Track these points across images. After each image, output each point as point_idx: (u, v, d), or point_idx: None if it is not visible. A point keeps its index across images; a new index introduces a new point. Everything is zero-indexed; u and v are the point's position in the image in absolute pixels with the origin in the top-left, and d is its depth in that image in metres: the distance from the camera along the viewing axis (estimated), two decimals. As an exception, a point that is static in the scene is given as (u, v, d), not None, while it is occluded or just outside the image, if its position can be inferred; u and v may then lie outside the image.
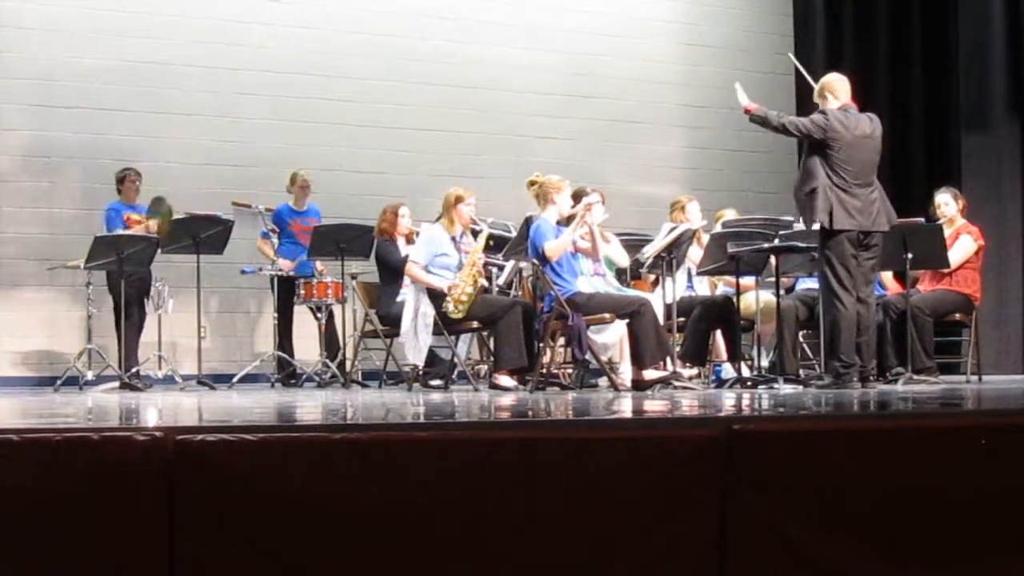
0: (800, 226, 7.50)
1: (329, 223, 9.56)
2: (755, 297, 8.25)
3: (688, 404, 5.68)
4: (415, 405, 6.03)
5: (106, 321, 9.25)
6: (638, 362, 7.42)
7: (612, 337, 7.94)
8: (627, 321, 7.49)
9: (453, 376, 8.44)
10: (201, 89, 10.54)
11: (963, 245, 8.36)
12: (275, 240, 9.72)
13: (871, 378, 7.30)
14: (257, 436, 3.46)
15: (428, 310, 7.90)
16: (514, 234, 8.55)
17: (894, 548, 3.70)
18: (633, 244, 8.57)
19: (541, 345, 7.69)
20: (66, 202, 10.15)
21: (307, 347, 9.75)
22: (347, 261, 9.31)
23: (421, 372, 8.20)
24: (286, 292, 9.54)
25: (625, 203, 10.68)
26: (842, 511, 3.68)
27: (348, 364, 9.14)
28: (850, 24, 11.74)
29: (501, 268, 8.81)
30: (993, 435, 3.86)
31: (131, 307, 9.00)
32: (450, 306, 7.82)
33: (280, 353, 9.45)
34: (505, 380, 7.58)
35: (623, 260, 8.47)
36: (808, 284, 8.40)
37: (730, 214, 9.05)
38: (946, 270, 8.30)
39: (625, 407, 5.65)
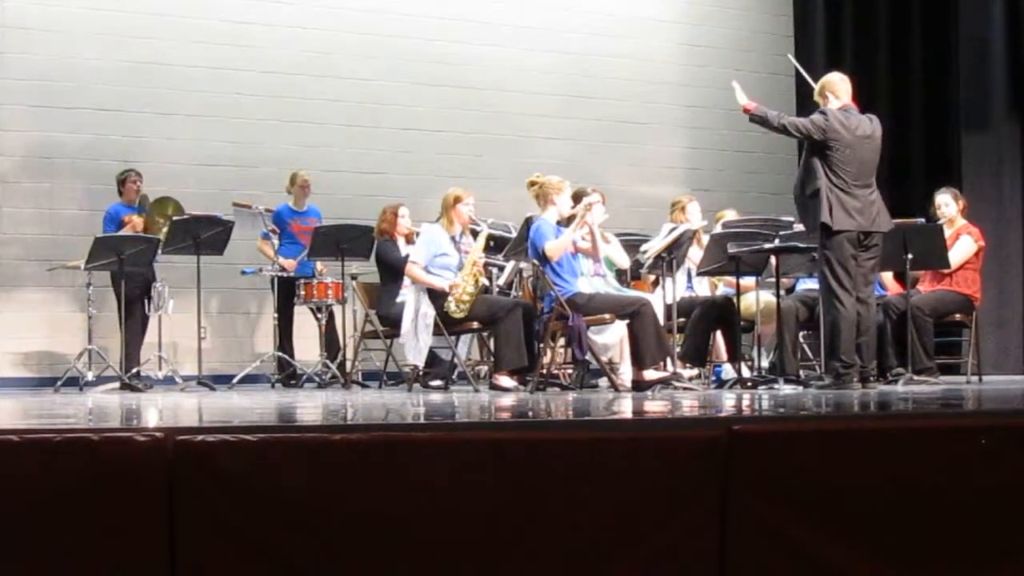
0: (800, 227, 7.49)
1: (329, 223, 9.57)
2: (755, 298, 8.26)
3: (688, 405, 5.68)
4: (415, 406, 6.03)
5: (106, 322, 9.25)
6: (638, 363, 7.42)
7: (612, 338, 7.94)
8: (627, 322, 7.49)
9: (453, 377, 8.44)
10: (202, 90, 10.55)
11: (963, 246, 8.36)
12: (275, 241, 9.72)
13: (871, 379, 7.29)
14: (257, 437, 3.46)
15: (428, 310, 7.90)
16: (514, 234, 8.55)
17: (894, 548, 3.70)
18: (633, 244, 8.58)
19: (541, 345, 7.69)
20: (67, 203, 10.16)
21: (307, 348, 9.75)
22: (347, 261, 9.31)
23: (421, 373, 8.20)
24: (286, 293, 9.54)
25: (625, 203, 10.69)
26: (842, 512, 3.68)
27: (348, 365, 9.14)
28: (850, 24, 11.74)
29: (501, 268, 8.82)
30: (993, 435, 3.86)
31: (133, 307, 9.01)
32: (452, 306, 7.82)
33: (280, 354, 9.45)
34: (505, 381, 7.58)
35: (623, 261, 8.48)
36: (808, 285, 8.40)
37: (730, 215, 9.05)
38: (946, 271, 8.30)
39: (625, 408, 5.65)
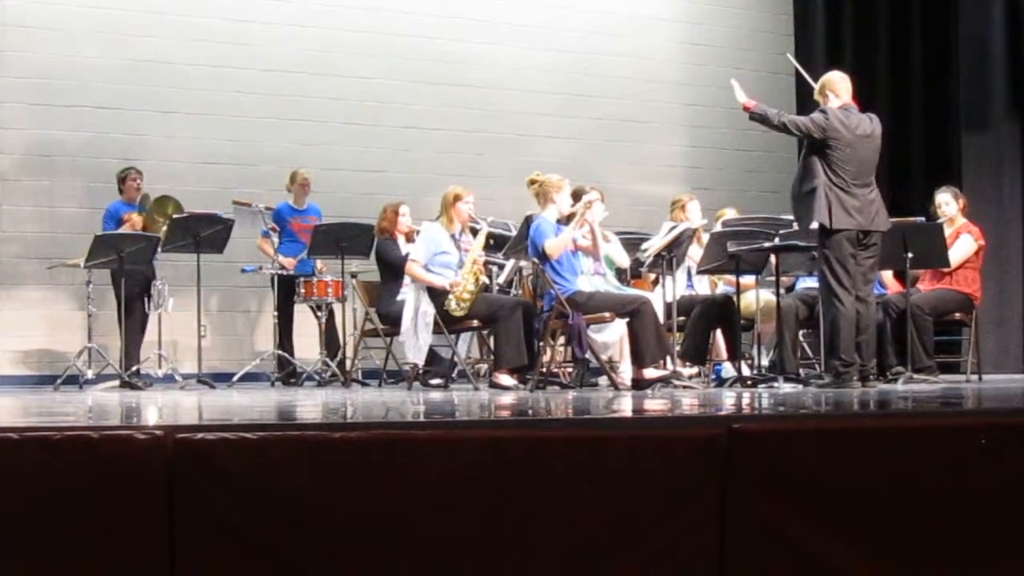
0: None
1: (329, 222, 9.57)
2: (755, 296, 8.26)
3: (688, 403, 5.68)
4: (415, 404, 6.03)
5: (106, 320, 9.25)
6: (638, 361, 7.43)
7: (612, 336, 7.94)
8: (627, 320, 7.49)
9: (453, 375, 8.45)
10: (201, 88, 10.55)
11: (963, 244, 8.36)
12: (275, 239, 9.72)
13: (871, 377, 7.30)
14: (257, 435, 3.46)
15: (428, 309, 7.90)
16: (514, 233, 8.55)
17: (894, 547, 3.70)
18: (633, 243, 8.58)
19: (541, 344, 7.69)
20: (66, 201, 10.15)
21: (307, 346, 9.75)
22: (347, 260, 9.31)
23: (421, 371, 8.20)
24: (286, 291, 9.53)
25: (625, 202, 10.69)
26: (842, 510, 3.68)
27: (348, 363, 9.14)
28: (850, 24, 11.74)
29: (501, 267, 8.82)
30: (993, 435, 3.86)
31: (133, 305, 9.01)
32: (452, 304, 7.82)
33: (280, 352, 9.45)
34: (505, 379, 7.58)
35: (623, 260, 8.48)
36: (808, 283, 8.40)
37: (730, 213, 9.05)
38: (946, 269, 8.30)
39: (625, 406, 5.65)
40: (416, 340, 7.94)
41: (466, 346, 8.80)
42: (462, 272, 7.90)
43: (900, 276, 8.49)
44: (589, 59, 11.76)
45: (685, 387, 7.39)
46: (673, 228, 8.09)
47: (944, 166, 10.77)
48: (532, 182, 7.87)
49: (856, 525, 3.69)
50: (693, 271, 8.60)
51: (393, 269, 8.55)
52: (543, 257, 7.57)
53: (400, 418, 4.75)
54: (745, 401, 6.00)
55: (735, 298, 8.11)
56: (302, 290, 9.39)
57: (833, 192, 6.99)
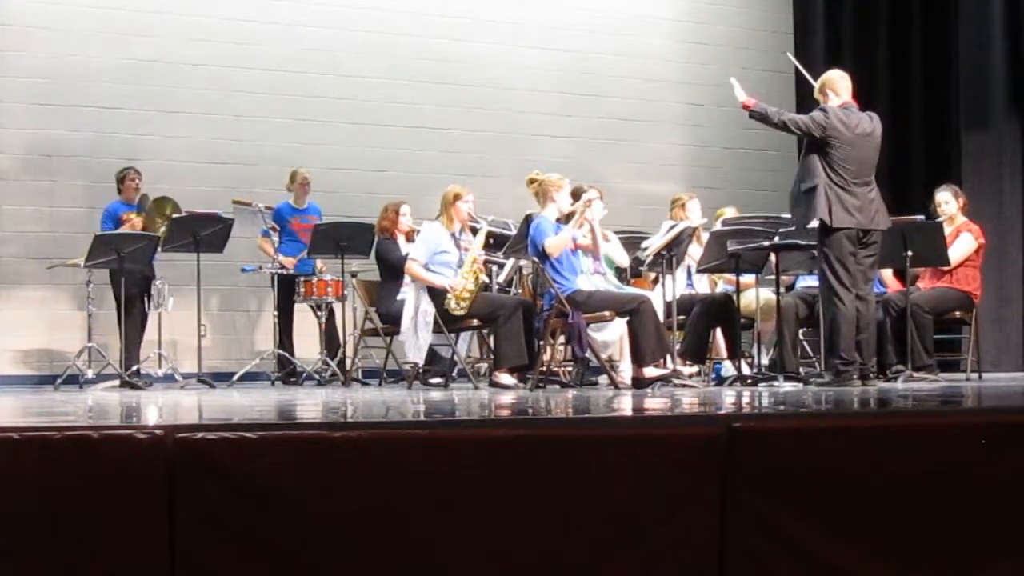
0: (801, 224, 7.49)
1: (329, 221, 9.57)
2: (755, 295, 8.26)
3: (688, 402, 5.68)
4: (415, 403, 6.03)
5: (106, 319, 9.25)
6: (638, 360, 7.43)
7: (612, 335, 7.94)
8: (627, 319, 7.49)
9: (453, 374, 8.44)
10: (202, 87, 10.55)
11: (963, 243, 8.36)
12: (275, 238, 9.72)
13: (871, 376, 7.29)
14: (257, 434, 3.46)
15: (428, 308, 7.91)
16: (514, 232, 8.55)
17: (894, 546, 3.70)
18: (633, 242, 8.58)
19: (541, 343, 7.69)
20: (67, 200, 10.16)
21: (307, 345, 9.75)
22: (347, 259, 9.32)
23: (421, 370, 8.21)
24: (286, 290, 9.54)
25: (626, 201, 10.70)
26: (842, 509, 3.68)
27: (348, 362, 9.15)
28: (850, 24, 11.74)
29: (501, 266, 8.82)
30: (993, 434, 3.85)
31: (133, 305, 9.01)
32: (452, 303, 7.82)
33: (280, 351, 9.46)
34: (505, 378, 7.58)
35: (623, 259, 8.48)
36: (808, 282, 8.40)
37: (730, 212, 9.05)
38: (946, 268, 8.30)
39: (625, 405, 5.65)
40: (416, 339, 7.95)
41: (466, 345, 8.80)
42: (462, 271, 7.90)
43: (900, 275, 8.49)
44: (590, 58, 11.77)
45: (685, 386, 7.40)
46: (673, 227, 8.09)
47: (944, 165, 10.77)
48: (532, 181, 7.88)
49: (856, 524, 3.69)
50: (693, 270, 8.61)
51: (393, 268, 8.55)
52: (543, 256, 7.57)
53: (400, 417, 4.75)
54: (745, 400, 6.00)
55: (735, 297, 8.11)
56: (302, 289, 9.39)
57: (833, 191, 6.99)
